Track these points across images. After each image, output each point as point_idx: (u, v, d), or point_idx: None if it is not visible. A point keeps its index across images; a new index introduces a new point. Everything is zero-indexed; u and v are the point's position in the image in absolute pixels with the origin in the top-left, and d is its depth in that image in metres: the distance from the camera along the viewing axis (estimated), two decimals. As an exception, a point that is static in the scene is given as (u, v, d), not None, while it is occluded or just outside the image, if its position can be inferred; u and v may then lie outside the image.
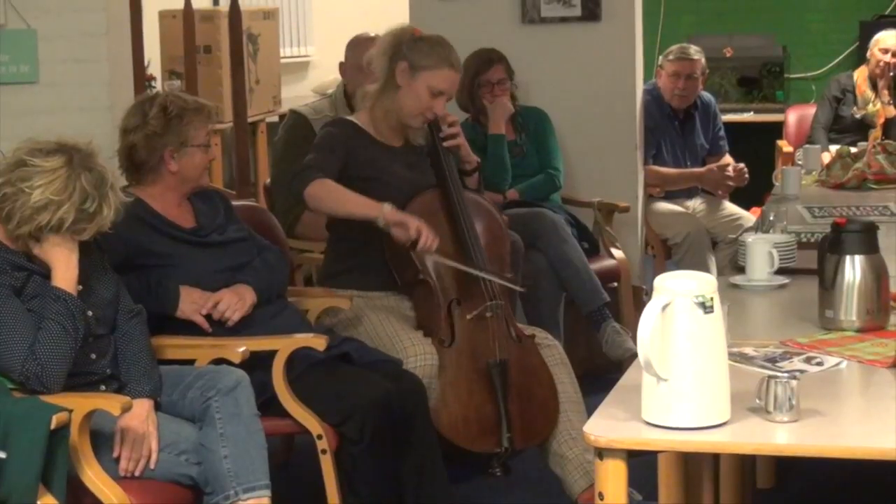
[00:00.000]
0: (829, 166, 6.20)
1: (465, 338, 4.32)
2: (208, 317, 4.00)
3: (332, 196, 4.28)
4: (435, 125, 4.54)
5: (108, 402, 3.39)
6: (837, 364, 3.11)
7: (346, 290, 4.43)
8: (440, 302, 4.36)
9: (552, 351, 4.46)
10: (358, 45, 5.60)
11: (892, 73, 7.67)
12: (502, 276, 4.45)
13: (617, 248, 6.04)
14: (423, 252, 4.23)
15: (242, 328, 4.02)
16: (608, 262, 5.93)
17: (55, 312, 3.42)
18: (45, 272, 3.49)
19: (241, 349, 3.83)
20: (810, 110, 8.10)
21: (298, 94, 9.24)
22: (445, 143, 4.53)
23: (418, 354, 4.19)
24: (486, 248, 4.48)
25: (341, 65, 5.75)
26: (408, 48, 4.42)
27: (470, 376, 4.28)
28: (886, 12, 9.13)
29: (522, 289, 4.63)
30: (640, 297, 5.99)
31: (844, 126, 7.77)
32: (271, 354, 3.88)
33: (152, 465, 3.50)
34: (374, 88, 4.49)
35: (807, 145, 7.08)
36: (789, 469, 4.59)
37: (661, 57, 6.95)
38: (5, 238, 3.52)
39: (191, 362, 3.85)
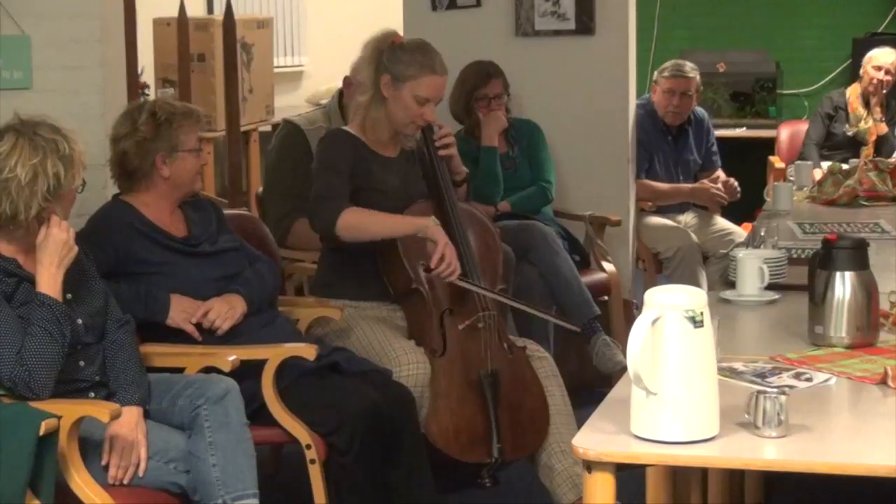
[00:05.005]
0: (820, 183, 6.22)
1: (456, 348, 4.33)
2: (198, 325, 4.00)
3: (370, 221, 4.29)
4: (429, 135, 4.54)
5: (98, 409, 3.38)
6: (826, 380, 3.11)
7: (339, 300, 4.43)
8: (432, 312, 4.36)
9: (543, 363, 4.47)
10: None
11: (884, 91, 7.70)
12: (531, 306, 4.51)
13: (608, 261, 6.04)
14: (437, 278, 4.25)
15: (232, 337, 4.02)
16: (599, 276, 5.94)
17: (40, 318, 3.42)
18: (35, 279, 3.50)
19: (231, 358, 3.83)
20: (802, 126, 8.12)
21: (291, 104, 9.25)
22: (441, 152, 4.53)
23: (410, 363, 4.19)
24: (480, 259, 4.49)
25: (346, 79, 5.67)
26: (388, 59, 4.39)
27: (461, 387, 4.28)
28: (879, 30, 9.16)
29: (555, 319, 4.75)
30: (631, 310, 5.99)
31: (836, 143, 7.79)
32: (261, 363, 3.87)
33: (141, 473, 3.50)
34: (363, 100, 4.47)
35: (798, 161, 7.10)
36: (778, 484, 4.59)
37: (655, 72, 6.96)
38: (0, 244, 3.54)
39: (180, 370, 3.85)
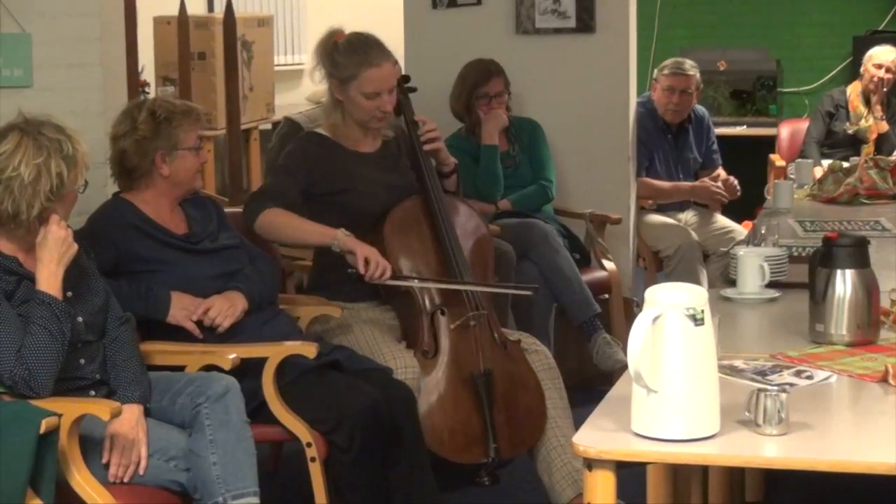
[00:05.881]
0: (821, 181, 6.21)
1: (448, 348, 4.32)
2: (199, 323, 4.00)
3: (284, 225, 4.31)
4: (414, 130, 4.54)
5: (98, 407, 3.38)
6: (827, 378, 3.11)
7: (333, 301, 4.42)
8: (423, 312, 4.36)
9: (539, 356, 4.45)
10: None
11: (885, 89, 7.70)
12: (480, 284, 4.45)
13: (608, 259, 6.04)
14: (372, 282, 4.23)
15: (233, 335, 4.02)
16: (600, 274, 5.94)
17: (40, 317, 3.42)
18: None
19: (232, 356, 3.83)
20: (803, 125, 8.12)
21: (292, 102, 9.24)
22: (426, 147, 4.53)
23: (399, 367, 4.18)
24: (469, 253, 4.48)
25: None
26: (330, 63, 4.43)
27: (455, 387, 4.27)
28: (880, 27, 9.15)
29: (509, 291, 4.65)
30: (631, 308, 5.99)
31: (837, 141, 7.79)
32: (262, 361, 3.87)
33: (141, 471, 3.50)
34: (327, 101, 4.51)
35: (799, 160, 7.09)
36: (778, 482, 4.59)
37: (655, 70, 6.96)
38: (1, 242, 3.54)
39: (181, 368, 3.84)
